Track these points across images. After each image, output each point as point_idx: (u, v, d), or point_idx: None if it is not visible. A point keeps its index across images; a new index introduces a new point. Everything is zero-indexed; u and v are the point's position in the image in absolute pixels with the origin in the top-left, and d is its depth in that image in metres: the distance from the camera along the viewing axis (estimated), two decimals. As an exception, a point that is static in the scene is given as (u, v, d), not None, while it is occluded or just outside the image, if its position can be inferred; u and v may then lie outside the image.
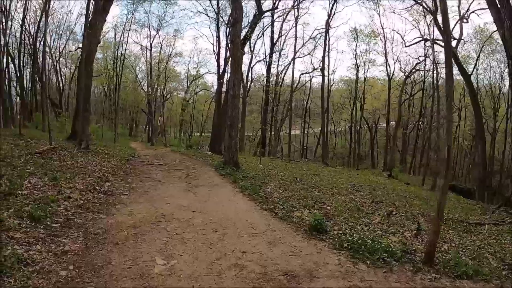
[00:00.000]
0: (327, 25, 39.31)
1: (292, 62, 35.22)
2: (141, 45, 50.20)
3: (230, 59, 17.21)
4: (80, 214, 7.95)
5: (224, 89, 34.66)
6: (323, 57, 39.27)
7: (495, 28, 35.61)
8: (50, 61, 46.01)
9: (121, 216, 8.13)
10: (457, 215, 13.24)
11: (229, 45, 16.04)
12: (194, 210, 9.00)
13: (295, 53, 34.44)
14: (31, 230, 6.48)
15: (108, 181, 11.52)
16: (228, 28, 35.23)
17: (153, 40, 49.33)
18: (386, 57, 44.41)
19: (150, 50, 49.35)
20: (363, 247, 7.05)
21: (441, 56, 36.22)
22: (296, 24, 34.80)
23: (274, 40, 38.99)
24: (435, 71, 37.73)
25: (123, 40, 45.90)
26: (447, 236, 9.16)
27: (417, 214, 11.95)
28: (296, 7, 34.86)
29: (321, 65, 40.55)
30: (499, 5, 15.09)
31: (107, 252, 6.15)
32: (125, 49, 45.78)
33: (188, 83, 57.31)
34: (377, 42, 45.26)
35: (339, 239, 7.59)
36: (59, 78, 47.95)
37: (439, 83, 35.95)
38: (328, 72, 41.22)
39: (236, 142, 16.50)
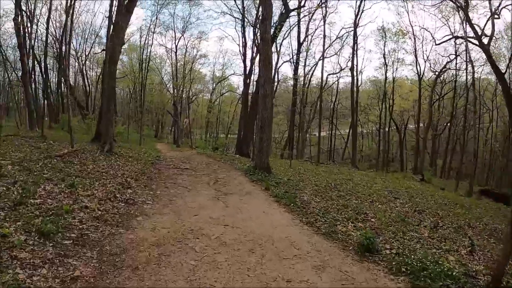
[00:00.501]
0: (355, 23, 38.07)
1: (321, 61, 33.82)
2: (166, 47, 50.15)
3: (259, 57, 16.12)
4: (96, 228, 6.91)
5: (250, 91, 33.94)
6: (352, 56, 38.19)
7: None
8: (77, 64, 46.23)
9: (143, 231, 7.04)
10: (504, 225, 12.05)
11: (259, 42, 14.93)
12: (226, 224, 7.85)
13: (323, 52, 33.05)
14: (38, 249, 5.49)
15: (131, 188, 10.49)
16: (254, 29, 34.46)
17: (178, 42, 48.81)
18: (416, 56, 42.50)
19: (176, 52, 48.92)
20: (424, 272, 5.95)
21: (473, 54, 34.76)
22: (324, 22, 33.49)
23: (301, 40, 37.87)
24: (466, 70, 35.71)
25: (147, 43, 45.35)
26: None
27: (463, 225, 11.12)
28: (323, 5, 33.50)
29: (349, 64, 39.56)
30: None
31: (124, 279, 5.10)
32: (150, 51, 45.16)
33: (214, 85, 56.66)
34: (406, 40, 43.72)
35: (395, 262, 6.45)
36: (86, 80, 48.08)
37: (473, 81, 34.06)
38: (356, 72, 39.78)
39: (268, 146, 15.38)
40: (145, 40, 45.38)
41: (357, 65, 40.21)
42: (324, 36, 32.66)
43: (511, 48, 35.10)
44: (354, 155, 38.07)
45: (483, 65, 36.91)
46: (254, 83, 31.12)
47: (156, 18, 44.04)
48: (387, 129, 49.47)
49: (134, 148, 23.71)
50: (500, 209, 17.98)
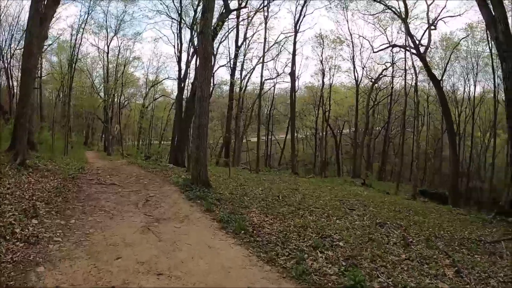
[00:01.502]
0: (296, 28, 36.88)
1: (260, 65, 32.28)
2: (98, 48, 46.67)
3: (197, 55, 14.03)
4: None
5: (184, 96, 31.73)
6: (292, 61, 36.88)
7: (461, 36, 36.18)
8: (1, 62, 41.69)
9: (40, 295, 4.80)
10: (467, 232, 11.24)
11: (197, 42, 12.85)
12: (160, 273, 5.68)
13: (263, 55, 31.42)
14: None
15: (37, 216, 8.00)
16: (191, 31, 32.15)
17: (110, 42, 45.89)
18: (354, 63, 43.02)
19: (107, 53, 45.83)
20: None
21: (409, 63, 35.59)
22: (265, 25, 31.84)
23: (239, 43, 36.13)
24: (405, 77, 36.27)
25: (78, 42, 41.63)
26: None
27: (429, 236, 10.03)
28: (263, 9, 31.93)
29: (286, 70, 38.73)
30: (492, 7, 14.44)
31: None
32: (78, 51, 41.61)
33: (147, 89, 53.78)
34: (343, 48, 43.87)
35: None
36: (10, 80, 43.35)
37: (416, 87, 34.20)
38: (294, 77, 38.48)
39: (205, 155, 13.33)
40: (75, 38, 41.48)
41: (295, 71, 39.16)
42: (265, 39, 31.05)
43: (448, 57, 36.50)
44: (294, 161, 36.73)
45: (419, 72, 37.66)
46: (189, 87, 29.00)
47: (88, 14, 40.67)
48: (324, 134, 49.14)
49: (56, 159, 20.95)
50: (452, 212, 16.89)
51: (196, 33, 28.51)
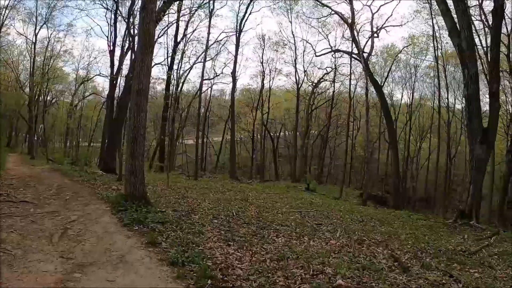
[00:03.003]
0: (240, 26, 34.69)
1: (203, 63, 29.46)
2: (26, 38, 41.46)
3: (137, 37, 11.05)
4: None
5: (117, 95, 28.41)
6: (235, 60, 34.50)
7: (400, 47, 36.48)
8: None
9: None
10: (447, 243, 10.52)
11: (140, 14, 9.96)
12: None
13: (206, 51, 28.85)
14: None
15: None
16: (128, 20, 28.90)
17: (39, 32, 40.73)
18: (295, 66, 41.69)
19: (35, 43, 40.51)
20: None
21: (346, 68, 35.58)
22: (210, 18, 29.07)
23: (178, 40, 33.11)
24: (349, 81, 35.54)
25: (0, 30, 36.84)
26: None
27: (410, 250, 9.08)
28: (206, 4, 29.24)
29: (225, 71, 36.35)
30: (456, 15, 14.95)
31: None
32: None
33: (76, 86, 48.92)
34: (285, 51, 42.43)
35: None
36: None
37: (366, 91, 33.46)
38: (235, 78, 36.01)
39: (143, 165, 10.53)
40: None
41: (236, 71, 36.74)
42: (209, 33, 28.36)
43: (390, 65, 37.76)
44: (233, 165, 34.15)
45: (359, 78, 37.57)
46: (122, 85, 25.86)
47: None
48: (257, 137, 47.40)
49: None
50: (411, 218, 16.22)
51: (131, 24, 25.58)
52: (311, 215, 13.12)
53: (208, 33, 28.03)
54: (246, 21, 34.99)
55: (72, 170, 19.94)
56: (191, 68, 36.03)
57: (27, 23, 40.84)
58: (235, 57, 34.80)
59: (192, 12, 30.80)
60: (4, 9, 35.06)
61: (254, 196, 16.42)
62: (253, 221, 10.49)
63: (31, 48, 41.34)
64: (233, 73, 34.14)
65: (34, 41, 40.56)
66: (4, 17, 36.44)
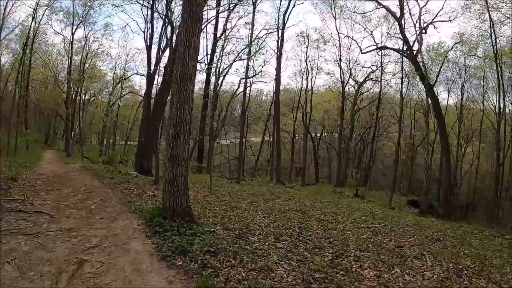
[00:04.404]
0: (284, 19, 31.68)
1: (247, 59, 26.53)
2: (64, 37, 40.30)
3: (183, 11, 8.39)
4: None
5: (153, 94, 26.37)
6: (279, 56, 31.45)
7: (449, 45, 32.82)
8: None
9: None
10: None
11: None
12: None
13: (250, 44, 25.89)
14: None
15: None
16: (164, 20, 26.82)
17: (75, 30, 39.09)
18: (340, 64, 38.26)
19: (71, 42, 39.17)
20: None
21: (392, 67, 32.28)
22: (254, 9, 26.44)
23: (217, 35, 30.61)
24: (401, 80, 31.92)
25: (39, 29, 36.25)
26: None
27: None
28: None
29: (262, 69, 33.24)
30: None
31: None
32: (36, 32, 35.56)
33: (114, 84, 47.25)
34: (326, 48, 39.36)
35: None
36: None
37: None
38: (280, 74, 33.04)
39: (186, 173, 7.97)
40: (35, 19, 35.24)
41: (281, 67, 33.93)
42: (253, 25, 25.66)
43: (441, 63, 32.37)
44: (279, 168, 31.06)
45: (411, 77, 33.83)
46: (159, 84, 23.78)
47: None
48: (297, 138, 44.55)
49: None
50: (484, 234, 13.44)
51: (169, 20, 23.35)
52: (382, 232, 10.56)
53: (252, 25, 25.33)
54: (289, 14, 32.31)
55: (104, 170, 17.74)
56: (230, 65, 33.37)
57: (64, 23, 39.72)
58: (279, 53, 31.78)
59: (231, 7, 28.22)
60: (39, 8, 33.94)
61: (310, 206, 13.82)
62: (324, 244, 8.03)
63: (68, 48, 40.18)
64: (277, 70, 31.24)
65: (71, 40, 39.32)
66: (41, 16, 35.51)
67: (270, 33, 32.29)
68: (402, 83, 31.31)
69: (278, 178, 28.89)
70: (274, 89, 34.56)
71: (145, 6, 29.34)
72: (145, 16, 31.42)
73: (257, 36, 31.35)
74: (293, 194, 18.11)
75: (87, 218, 7.82)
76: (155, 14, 28.28)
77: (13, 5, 33.16)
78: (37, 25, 36.00)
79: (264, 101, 56.31)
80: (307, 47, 39.40)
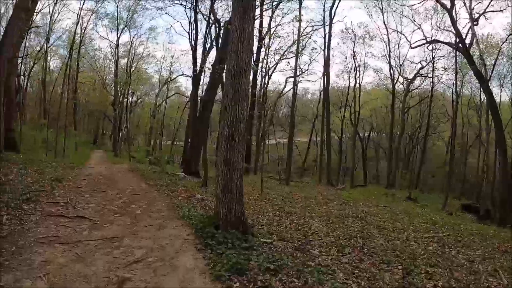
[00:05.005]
0: (331, 13, 30.37)
1: (296, 56, 25.61)
2: (110, 42, 41.53)
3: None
4: None
5: (200, 95, 26.00)
6: (328, 52, 30.12)
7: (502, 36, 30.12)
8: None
9: None
10: None
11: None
12: None
13: (298, 41, 25.05)
14: None
15: None
16: (208, 21, 26.43)
17: (120, 34, 40.01)
18: (389, 60, 36.33)
19: (117, 46, 40.24)
20: None
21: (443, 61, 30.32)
22: (300, 6, 25.50)
23: (263, 34, 29.72)
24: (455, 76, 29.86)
25: (85, 34, 38.18)
26: None
27: None
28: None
29: (308, 67, 32.43)
30: None
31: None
32: (80, 41, 36.73)
33: (160, 86, 47.97)
34: (373, 44, 37.62)
35: None
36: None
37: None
38: (328, 71, 31.74)
39: (241, 176, 7.04)
40: (83, 31, 37.93)
41: (329, 63, 32.47)
42: (300, 21, 24.56)
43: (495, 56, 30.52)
44: (329, 170, 29.75)
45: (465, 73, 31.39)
46: (205, 85, 23.39)
47: (97, 6, 36.24)
48: (345, 137, 42.94)
49: (37, 162, 15.46)
50: None
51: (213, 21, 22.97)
52: (448, 242, 9.19)
53: (300, 21, 24.23)
54: (336, 8, 30.91)
55: (151, 171, 17.27)
56: (276, 64, 32.52)
57: (110, 28, 40.89)
58: (328, 50, 30.33)
59: (274, 5, 27.29)
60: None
61: (367, 212, 12.64)
62: (390, 258, 6.91)
63: (114, 52, 41.29)
64: (326, 67, 29.93)
65: (117, 44, 40.44)
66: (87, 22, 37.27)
67: (316, 29, 31.22)
68: (456, 79, 29.39)
69: (328, 179, 27.66)
70: (322, 87, 33.32)
71: (188, 8, 29.33)
72: (189, 17, 31.44)
73: (302, 32, 30.25)
74: (345, 197, 17.08)
75: (132, 225, 7.07)
76: (199, 15, 28.14)
77: (59, 13, 34.29)
78: (83, 31, 38.08)
79: (310, 100, 55.16)
80: (353, 43, 37.86)
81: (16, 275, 4.67)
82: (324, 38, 30.54)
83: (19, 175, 11.40)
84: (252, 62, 28.01)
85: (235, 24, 7.00)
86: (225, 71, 7.33)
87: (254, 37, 8.65)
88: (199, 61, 28.22)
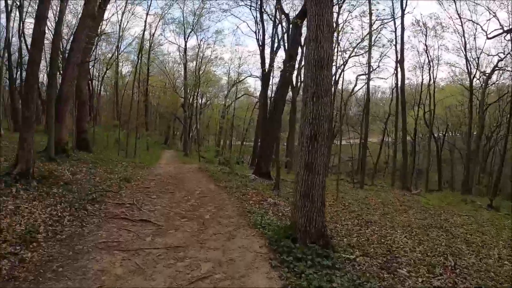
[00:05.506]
0: (402, 6, 27.76)
1: (369, 50, 23.80)
2: (179, 46, 43.07)
3: None
4: None
5: (270, 93, 25.44)
6: (401, 46, 27.67)
7: None
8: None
9: None
10: None
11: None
12: None
13: (370, 33, 23.43)
14: None
15: None
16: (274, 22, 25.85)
17: (188, 38, 40.90)
18: (465, 53, 33.04)
19: (185, 49, 40.97)
20: None
21: None
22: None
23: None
24: None
25: (154, 40, 39.49)
26: None
27: None
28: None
29: (378, 64, 30.70)
30: None
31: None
32: (150, 46, 38.11)
33: (229, 87, 48.28)
34: (445, 36, 34.79)
35: None
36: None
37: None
38: (403, 66, 29.22)
39: (324, 183, 6.10)
40: (152, 37, 38.98)
41: (403, 58, 30.02)
42: (371, 13, 22.78)
43: None
44: (405, 173, 27.11)
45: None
46: (274, 85, 22.70)
47: (164, 12, 37.80)
48: (417, 138, 40.25)
49: (107, 162, 15.70)
50: None
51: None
52: None
53: (370, 14, 22.54)
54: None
55: (220, 172, 16.75)
56: (346, 61, 30.84)
57: (177, 33, 42.55)
58: (401, 44, 27.65)
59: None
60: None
61: (451, 222, 11.24)
62: (486, 281, 5.90)
63: (183, 55, 42.05)
64: (400, 62, 27.50)
65: (185, 48, 41.17)
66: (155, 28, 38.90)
67: (385, 23, 29.07)
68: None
69: (403, 183, 25.75)
70: (394, 84, 31.11)
71: (253, 8, 29.03)
72: (255, 17, 31.13)
73: (371, 26, 28.49)
74: (424, 204, 15.69)
75: (199, 233, 6.38)
76: (264, 15, 27.67)
77: (128, 21, 35.69)
78: (151, 37, 39.16)
79: (380, 99, 52.94)
80: (425, 36, 34.95)
81: (67, 285, 4.14)
82: (395, 32, 28.14)
83: (88, 174, 11.24)
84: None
85: (312, 10, 6.14)
86: (304, 63, 6.44)
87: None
88: (267, 61, 27.92)
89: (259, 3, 27.30)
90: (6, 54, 26.44)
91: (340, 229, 7.99)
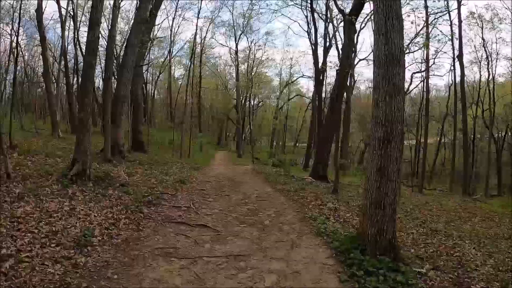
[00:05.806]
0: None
1: (427, 46, 22.60)
2: (230, 48, 43.87)
3: None
4: None
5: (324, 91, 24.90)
6: (460, 42, 25.93)
7: None
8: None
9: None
10: None
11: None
12: None
13: (426, 25, 22.17)
14: None
15: None
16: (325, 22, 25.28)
17: (238, 40, 41.64)
18: None
19: (236, 52, 41.84)
20: None
21: None
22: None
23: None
24: None
25: (205, 43, 41.01)
26: None
27: None
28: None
29: (434, 60, 29.08)
30: None
31: None
32: (201, 49, 39.14)
33: (281, 88, 48.23)
34: (502, 28, 32.45)
35: None
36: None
37: None
38: (462, 61, 27.23)
39: (397, 190, 5.56)
40: (203, 40, 40.73)
41: (462, 52, 28.06)
42: (427, 6, 21.51)
43: None
44: (466, 177, 25.39)
45: None
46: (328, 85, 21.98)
47: (213, 15, 38.93)
48: (475, 138, 37.72)
49: (163, 161, 16.32)
50: None
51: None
52: None
53: (426, 7, 21.26)
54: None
55: (276, 174, 16.45)
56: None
57: (227, 35, 43.88)
58: (459, 38, 25.79)
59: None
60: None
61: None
62: None
63: (234, 57, 42.77)
64: (459, 57, 25.68)
65: (236, 50, 42.01)
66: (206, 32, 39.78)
67: (439, 17, 27.38)
68: None
69: (464, 188, 24.25)
70: (453, 81, 28.88)
71: (303, 7, 28.68)
72: (306, 17, 30.73)
73: (427, 20, 26.89)
74: (487, 211, 14.65)
75: (260, 240, 6.02)
76: (315, 15, 27.21)
77: (178, 26, 36.41)
78: (202, 40, 40.84)
79: (435, 97, 50.71)
80: (481, 29, 32.51)
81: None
82: (450, 25, 26.40)
83: (144, 176, 11.23)
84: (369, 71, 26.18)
85: (379, 2, 5.64)
86: (373, 59, 5.94)
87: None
88: (320, 60, 27.43)
89: (309, 1, 26.88)
90: (63, 61, 27.67)
91: (406, 238, 7.42)
